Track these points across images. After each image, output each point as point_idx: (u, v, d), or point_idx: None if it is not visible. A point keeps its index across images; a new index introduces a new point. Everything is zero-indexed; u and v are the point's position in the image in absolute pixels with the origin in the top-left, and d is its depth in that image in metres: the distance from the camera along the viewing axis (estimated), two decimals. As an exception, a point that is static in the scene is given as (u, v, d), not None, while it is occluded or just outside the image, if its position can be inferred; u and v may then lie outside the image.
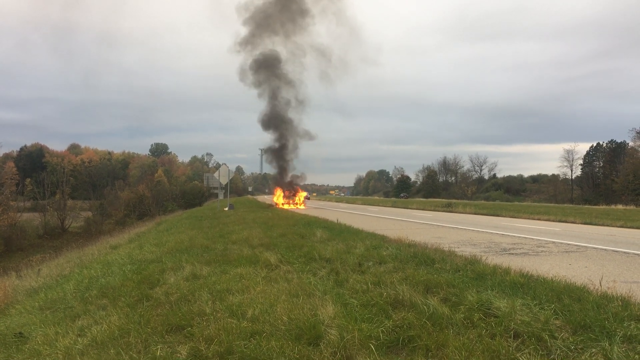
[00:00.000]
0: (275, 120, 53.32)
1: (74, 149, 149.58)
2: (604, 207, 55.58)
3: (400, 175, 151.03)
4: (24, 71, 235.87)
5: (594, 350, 4.18)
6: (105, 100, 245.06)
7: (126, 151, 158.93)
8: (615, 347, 4.13)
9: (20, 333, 6.05)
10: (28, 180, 78.50)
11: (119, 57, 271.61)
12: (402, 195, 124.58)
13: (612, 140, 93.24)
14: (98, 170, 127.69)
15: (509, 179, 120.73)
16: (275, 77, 52.90)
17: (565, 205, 67.44)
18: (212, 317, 5.38)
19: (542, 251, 11.56)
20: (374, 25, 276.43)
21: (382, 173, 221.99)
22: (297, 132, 53.55)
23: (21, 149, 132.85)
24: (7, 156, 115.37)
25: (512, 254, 11.06)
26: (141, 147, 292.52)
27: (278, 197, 48.66)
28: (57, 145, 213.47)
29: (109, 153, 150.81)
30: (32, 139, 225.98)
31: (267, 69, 52.15)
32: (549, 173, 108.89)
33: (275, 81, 52.80)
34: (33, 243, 43.81)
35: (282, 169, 54.08)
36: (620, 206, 55.53)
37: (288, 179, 53.71)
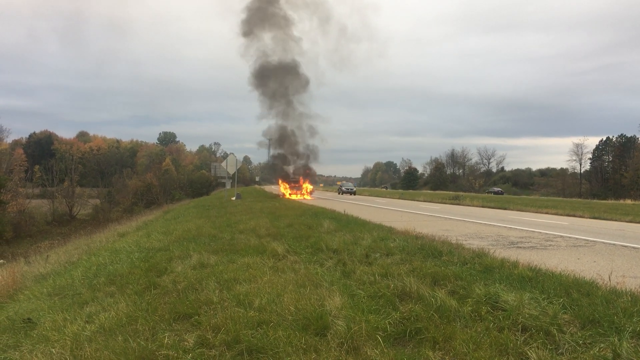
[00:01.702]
0: (272, 71, 49.26)
1: (83, 136, 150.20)
2: (612, 201, 55.30)
3: (407, 167, 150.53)
4: (33, 58, 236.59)
5: (602, 345, 4.15)
6: (113, 89, 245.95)
7: (134, 139, 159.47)
8: (625, 343, 4.10)
9: (28, 319, 6.09)
10: (37, 167, 78.79)
11: (128, 46, 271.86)
12: (383, 186, 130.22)
13: (622, 134, 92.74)
14: (106, 158, 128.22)
15: (517, 172, 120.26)
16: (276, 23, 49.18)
17: (574, 199, 67.09)
18: (219, 306, 5.40)
19: (550, 245, 11.51)
20: (381, 15, 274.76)
21: (390, 165, 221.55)
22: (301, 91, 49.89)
23: (30, 135, 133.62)
24: (16, 143, 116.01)
25: (520, 247, 11.01)
26: (149, 135, 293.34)
27: (285, 188, 48.58)
28: (65, 132, 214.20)
29: (117, 141, 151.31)
30: (41, 126, 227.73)
31: (266, 15, 48.88)
32: (558, 167, 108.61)
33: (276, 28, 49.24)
34: (41, 229, 44.11)
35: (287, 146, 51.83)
36: (629, 201, 55.25)
37: (294, 163, 52.51)
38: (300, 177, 49.87)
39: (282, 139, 52.12)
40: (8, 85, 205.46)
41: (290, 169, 52.14)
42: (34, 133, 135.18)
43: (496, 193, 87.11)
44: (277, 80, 50.08)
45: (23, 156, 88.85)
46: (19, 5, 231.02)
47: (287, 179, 49.83)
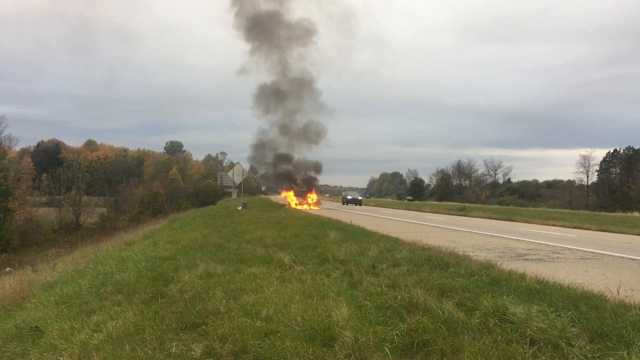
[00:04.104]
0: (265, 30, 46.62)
1: (90, 145, 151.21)
2: (620, 214, 54.96)
3: (413, 178, 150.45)
4: (41, 67, 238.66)
5: (611, 359, 4.13)
6: (121, 97, 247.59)
7: (141, 148, 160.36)
8: (634, 357, 4.08)
9: (36, 327, 6.11)
10: (44, 175, 79.24)
11: (135, 54, 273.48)
12: (367, 195, 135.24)
13: (629, 146, 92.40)
14: (113, 166, 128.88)
15: (524, 184, 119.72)
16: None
17: (581, 211, 66.69)
18: (226, 316, 5.40)
19: (557, 257, 11.45)
20: (388, 23, 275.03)
21: (396, 175, 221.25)
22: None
23: (38, 144, 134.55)
24: (24, 151, 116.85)
25: (527, 259, 10.96)
26: (156, 144, 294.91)
27: (291, 197, 48.47)
28: (73, 141, 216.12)
29: (125, 150, 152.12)
30: (49, 134, 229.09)
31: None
32: (565, 179, 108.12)
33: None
34: (48, 237, 44.28)
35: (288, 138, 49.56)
36: (636, 213, 54.80)
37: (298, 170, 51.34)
38: (307, 189, 49.61)
39: (277, 97, 49.46)
40: (16, 93, 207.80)
41: (296, 176, 51.48)
42: (42, 141, 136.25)
43: (409, 200, 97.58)
44: (271, 29, 47.99)
45: (31, 164, 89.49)
46: (28, 13, 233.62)
47: (293, 188, 49.63)
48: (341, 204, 59.43)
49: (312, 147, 53.43)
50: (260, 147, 50.00)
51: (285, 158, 50.52)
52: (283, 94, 49.13)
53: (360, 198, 61.02)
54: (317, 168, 51.66)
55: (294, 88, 49.00)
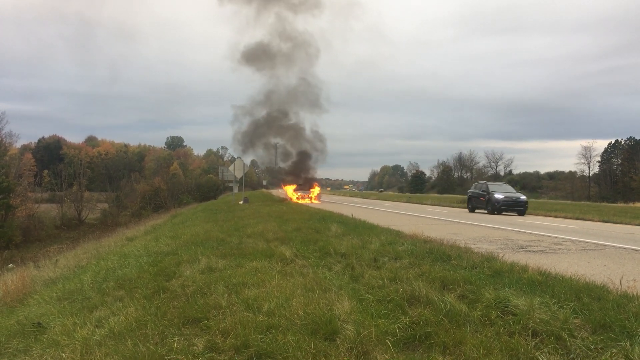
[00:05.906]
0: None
1: (91, 141, 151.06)
2: (622, 204, 54.90)
3: (415, 171, 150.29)
4: (41, 64, 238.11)
5: (614, 350, 4.11)
6: (121, 93, 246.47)
7: (142, 144, 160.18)
8: (637, 347, 4.06)
9: (39, 323, 6.12)
10: (45, 171, 79.29)
11: (136, 50, 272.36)
12: (366, 190, 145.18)
13: (631, 137, 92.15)
14: (114, 162, 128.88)
15: (525, 176, 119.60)
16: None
17: (583, 202, 66.63)
18: (228, 311, 5.39)
19: (559, 249, 11.44)
20: (388, 16, 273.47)
21: (397, 168, 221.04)
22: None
23: (39, 140, 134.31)
24: (25, 147, 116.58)
25: (529, 251, 10.95)
26: (157, 140, 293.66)
27: (292, 191, 48.40)
28: (74, 137, 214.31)
29: (126, 145, 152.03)
30: (50, 130, 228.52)
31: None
32: (566, 170, 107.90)
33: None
34: (50, 234, 44.25)
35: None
36: (638, 204, 54.78)
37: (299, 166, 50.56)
38: (309, 182, 49.43)
39: (262, 55, 48.21)
40: (17, 90, 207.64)
41: (296, 166, 50.86)
42: (43, 138, 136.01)
43: (380, 191, 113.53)
44: None
45: (32, 161, 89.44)
46: (28, 11, 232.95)
47: (294, 182, 49.54)
48: (341, 197, 56.68)
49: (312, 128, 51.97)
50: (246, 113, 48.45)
51: (266, 124, 48.89)
52: (275, 55, 48.17)
53: (524, 198, 29.43)
54: (318, 140, 50.16)
55: (289, 49, 48.19)
